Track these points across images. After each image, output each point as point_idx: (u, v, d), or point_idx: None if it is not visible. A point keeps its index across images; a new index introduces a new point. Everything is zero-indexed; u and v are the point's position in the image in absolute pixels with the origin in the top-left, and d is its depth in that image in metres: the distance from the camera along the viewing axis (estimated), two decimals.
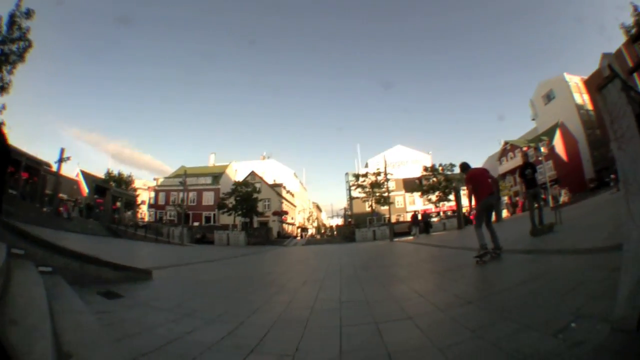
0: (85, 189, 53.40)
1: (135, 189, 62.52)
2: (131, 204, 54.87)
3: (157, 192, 71.44)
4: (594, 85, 50.31)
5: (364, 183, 54.73)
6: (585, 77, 57.25)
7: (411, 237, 32.13)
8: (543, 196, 12.29)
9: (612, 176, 29.16)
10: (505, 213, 39.86)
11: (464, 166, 9.44)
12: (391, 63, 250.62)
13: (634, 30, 24.43)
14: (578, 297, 3.53)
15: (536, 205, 11.18)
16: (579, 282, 4.11)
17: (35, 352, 1.94)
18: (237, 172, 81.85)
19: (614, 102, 2.61)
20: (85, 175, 55.98)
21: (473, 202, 8.60)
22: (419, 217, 36.66)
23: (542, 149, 42.35)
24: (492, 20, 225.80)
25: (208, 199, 68.39)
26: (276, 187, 76.13)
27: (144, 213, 70.83)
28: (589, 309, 3.09)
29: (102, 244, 19.85)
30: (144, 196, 73.50)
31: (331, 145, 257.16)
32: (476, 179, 8.68)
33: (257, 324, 4.08)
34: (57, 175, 35.74)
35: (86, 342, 2.56)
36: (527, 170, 11.45)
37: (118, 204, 47.96)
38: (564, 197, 36.68)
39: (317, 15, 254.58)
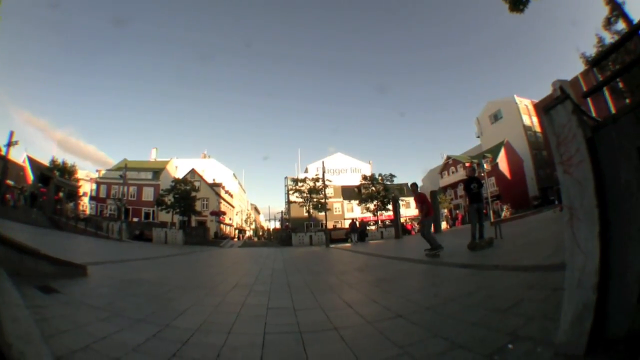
0: (30, 177, 51.06)
1: (77, 180, 60.13)
2: (73, 195, 52.69)
3: (98, 184, 68.90)
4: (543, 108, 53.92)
5: (302, 188, 54.67)
6: (536, 101, 59.95)
7: (348, 244, 32.41)
8: (484, 211, 12.60)
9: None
10: (444, 225, 40.69)
11: (416, 186, 12.57)
12: (337, 70, 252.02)
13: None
14: (516, 316, 3.46)
15: (477, 220, 11.10)
16: (518, 300, 4.07)
17: None
18: (177, 169, 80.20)
19: (563, 124, 2.59)
20: (32, 162, 53.54)
21: (422, 214, 11.77)
22: (357, 224, 36.83)
23: (485, 166, 43.85)
24: (453, 35, 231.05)
25: (148, 194, 66.66)
26: (215, 187, 75.32)
27: (85, 205, 68.22)
28: (528, 331, 3.01)
29: (43, 236, 19.23)
30: (86, 188, 70.75)
31: (272, 148, 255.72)
32: (427, 200, 12.08)
33: (182, 327, 4.08)
34: (4, 159, 33.77)
35: (21, 335, 2.65)
36: (472, 184, 11.32)
37: (61, 194, 46.07)
38: (505, 213, 37.64)
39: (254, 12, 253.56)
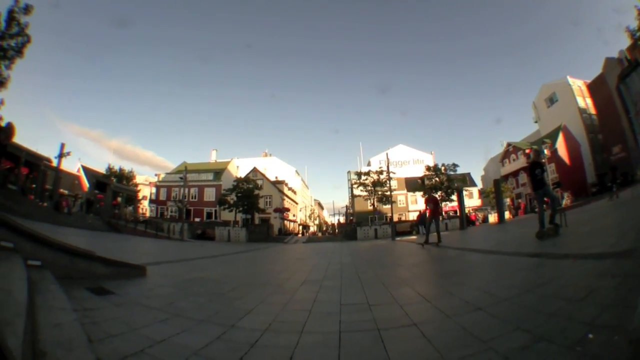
0: (86, 184, 53.42)
1: (136, 185, 62.51)
2: (132, 199, 54.94)
3: (158, 187, 71.75)
4: (598, 89, 49.95)
5: (366, 181, 55.45)
6: (588, 82, 57.19)
7: (414, 237, 31.99)
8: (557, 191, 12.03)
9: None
10: (507, 215, 39.90)
11: (431, 194, 18.57)
12: (394, 63, 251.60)
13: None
14: (591, 305, 3.32)
15: (545, 206, 10.83)
16: (591, 289, 3.84)
17: (4, 349, 1.81)
18: (238, 169, 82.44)
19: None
20: (86, 171, 56.05)
21: (430, 214, 16.27)
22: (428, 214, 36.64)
23: (546, 152, 42.30)
24: (495, 22, 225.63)
25: (209, 195, 68.66)
26: (278, 184, 76.50)
27: (145, 208, 70.92)
28: (604, 319, 2.89)
29: (100, 238, 19.81)
30: (146, 192, 73.58)
31: (333, 144, 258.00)
32: (436, 201, 16.45)
33: (249, 327, 3.86)
34: (57, 170, 35.95)
35: (63, 341, 2.42)
36: (536, 170, 10.91)
37: (119, 199, 47.99)
38: (566, 201, 36.64)
39: (318, 15, 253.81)
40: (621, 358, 2.24)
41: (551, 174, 51.53)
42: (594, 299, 3.48)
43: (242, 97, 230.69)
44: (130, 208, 54.45)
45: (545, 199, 10.91)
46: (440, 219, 16.71)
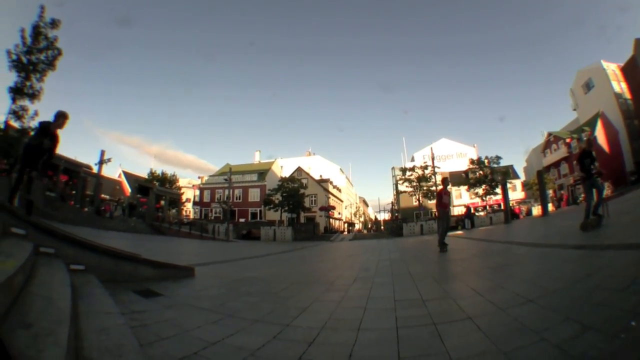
0: (128, 189, 54.75)
1: (179, 188, 63.65)
2: (175, 202, 55.91)
3: (202, 190, 73.05)
4: (631, 72, 47.93)
5: (411, 177, 55.16)
6: (622, 65, 55.11)
7: (460, 232, 31.57)
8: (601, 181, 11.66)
9: None
10: (550, 207, 39.08)
11: (447, 181, 14.38)
12: (431, 57, 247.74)
13: None
14: (634, 294, 3.42)
15: (596, 191, 10.66)
16: (634, 278, 3.98)
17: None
18: (282, 169, 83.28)
19: None
20: (128, 176, 57.53)
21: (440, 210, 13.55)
22: (472, 210, 36.41)
23: (585, 139, 41.31)
24: (526, 11, 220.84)
25: (254, 195, 69.31)
26: (322, 183, 76.50)
27: (189, 211, 72.13)
28: None
29: (144, 241, 20.17)
30: (189, 194, 74.79)
31: (376, 140, 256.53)
32: (440, 195, 13.45)
33: (305, 325, 3.81)
34: (97, 176, 36.95)
35: (110, 346, 2.33)
36: (586, 159, 10.73)
37: (162, 202, 48.88)
38: (607, 191, 35.55)
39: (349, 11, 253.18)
40: None
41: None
42: (637, 288, 3.61)
43: (283, 96, 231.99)
44: (174, 210, 55.44)
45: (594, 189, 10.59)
46: (447, 216, 13.45)
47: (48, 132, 7.27)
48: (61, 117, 7.43)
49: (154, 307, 4.45)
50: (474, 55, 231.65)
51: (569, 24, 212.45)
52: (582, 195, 10.91)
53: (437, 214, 13.94)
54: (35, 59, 20.85)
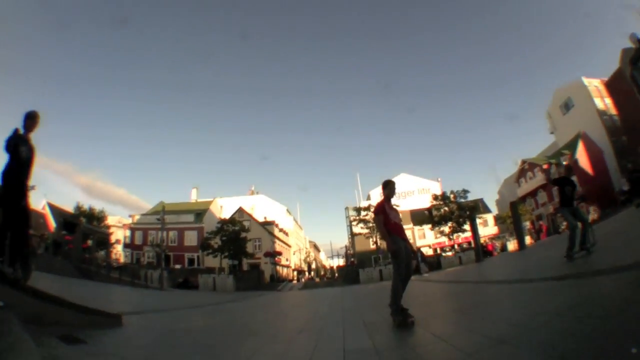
0: (52, 224, 53.15)
1: (108, 226, 62.27)
2: (104, 242, 54.56)
3: (133, 230, 71.36)
4: (617, 85, 49.20)
5: (367, 217, 55.21)
6: (606, 79, 56.70)
7: (426, 275, 31.77)
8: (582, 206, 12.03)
9: None
10: (528, 240, 39.55)
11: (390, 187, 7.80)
12: (389, 80, 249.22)
13: None
14: (632, 318, 3.36)
15: (580, 223, 10.56)
16: (629, 302, 3.98)
17: None
18: (222, 209, 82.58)
19: None
20: (53, 209, 55.76)
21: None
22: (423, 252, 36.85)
23: (565, 164, 42.40)
24: (490, 30, 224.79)
25: (191, 238, 68.35)
26: (267, 225, 76.34)
27: (118, 253, 70.43)
28: None
29: (70, 284, 19.69)
30: (119, 234, 73.21)
31: (328, 177, 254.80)
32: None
33: None
34: None
35: None
36: (566, 187, 10.95)
37: (89, 242, 47.68)
38: (592, 215, 36.56)
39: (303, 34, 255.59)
40: None
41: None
42: (635, 310, 3.55)
43: (225, 129, 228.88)
44: (102, 252, 54.12)
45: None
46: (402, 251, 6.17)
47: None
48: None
49: (76, 354, 4.42)
50: (432, 74, 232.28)
51: (542, 38, 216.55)
52: (565, 223, 10.92)
53: (387, 248, 7.16)
54: None
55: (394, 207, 7.65)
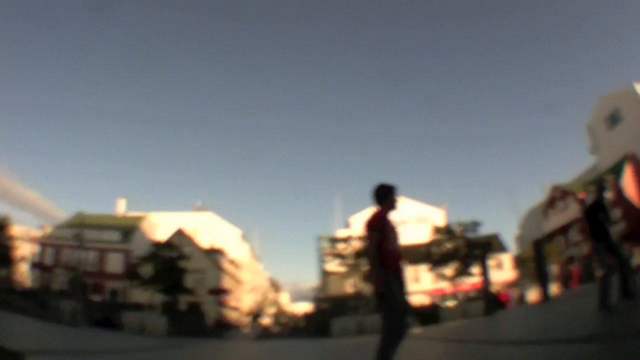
0: None
1: (12, 238, 61.39)
2: (6, 258, 53.62)
3: (44, 245, 70.37)
4: None
5: (345, 251, 53.89)
6: None
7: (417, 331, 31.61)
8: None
9: None
10: (553, 289, 38.36)
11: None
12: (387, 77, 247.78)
13: None
14: None
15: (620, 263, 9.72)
16: None
17: None
18: (157, 228, 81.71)
19: None
20: None
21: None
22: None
23: (607, 193, 41.07)
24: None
25: (115, 262, 67.78)
26: (215, 254, 75.61)
27: (23, 274, 69.32)
28: None
29: None
30: (25, 249, 72.06)
31: (299, 196, 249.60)
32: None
33: None
34: None
35: None
36: (599, 214, 10.08)
37: None
38: (637, 259, 35.44)
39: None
40: None
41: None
42: None
43: (167, 122, 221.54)
44: (4, 272, 53.23)
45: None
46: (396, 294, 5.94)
47: None
48: None
49: None
50: (445, 77, 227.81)
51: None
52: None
53: (374, 285, 5.87)
54: None
55: (395, 226, 6.49)
